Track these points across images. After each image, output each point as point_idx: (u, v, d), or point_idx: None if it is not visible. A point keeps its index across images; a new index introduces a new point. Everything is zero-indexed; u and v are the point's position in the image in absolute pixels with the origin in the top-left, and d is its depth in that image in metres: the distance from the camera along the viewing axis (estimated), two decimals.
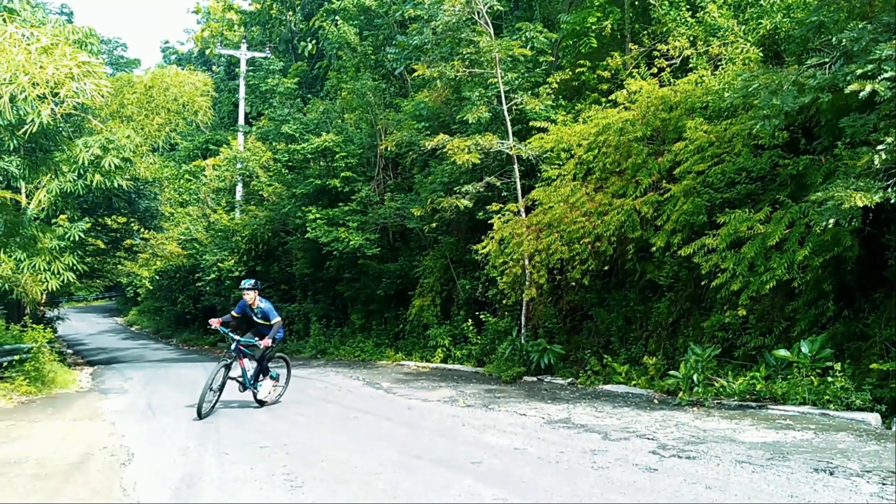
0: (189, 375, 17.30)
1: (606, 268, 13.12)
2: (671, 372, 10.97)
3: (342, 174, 21.93)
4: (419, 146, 17.97)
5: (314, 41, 35.57)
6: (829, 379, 9.13)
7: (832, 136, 10.25)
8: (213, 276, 27.89)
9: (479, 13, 15.87)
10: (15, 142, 13.64)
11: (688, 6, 14.84)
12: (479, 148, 15.28)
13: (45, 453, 8.10)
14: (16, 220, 17.88)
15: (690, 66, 14.17)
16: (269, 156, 26.98)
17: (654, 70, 14.64)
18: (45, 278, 18.28)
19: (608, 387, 12.10)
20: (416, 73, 17.91)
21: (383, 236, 21.91)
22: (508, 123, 15.82)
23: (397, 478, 6.43)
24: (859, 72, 7.94)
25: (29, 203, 20.15)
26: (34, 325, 16.49)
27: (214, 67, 45.58)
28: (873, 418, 8.30)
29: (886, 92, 7.61)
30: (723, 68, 13.24)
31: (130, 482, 6.66)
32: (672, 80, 13.93)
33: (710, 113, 12.42)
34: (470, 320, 17.44)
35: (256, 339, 10.92)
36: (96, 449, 8.33)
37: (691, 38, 14.48)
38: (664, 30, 15.20)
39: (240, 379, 10.95)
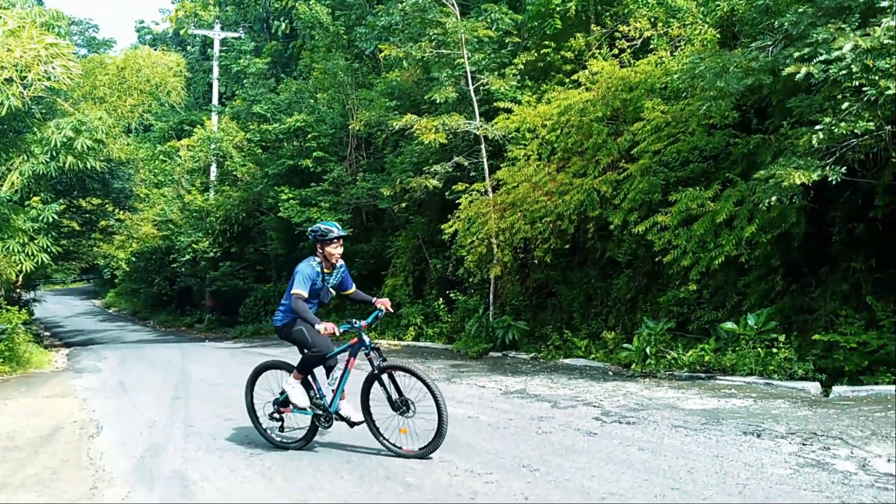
0: (163, 355, 17.57)
1: (568, 246, 13.41)
2: (625, 345, 11.36)
3: (314, 154, 22.11)
4: (389, 126, 18.15)
5: (288, 20, 35.47)
6: (775, 350, 9.55)
7: (782, 116, 10.57)
8: (188, 257, 28.11)
9: None
10: None
11: None
12: (446, 128, 15.49)
13: (16, 428, 8.35)
14: None
15: (651, 47, 14.42)
16: (242, 136, 27.10)
17: (616, 51, 14.87)
18: (20, 260, 18.37)
19: (568, 360, 12.47)
20: (384, 54, 18.04)
21: (356, 216, 22.12)
22: (475, 104, 16.03)
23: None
24: (797, 54, 8.25)
25: (1, 185, 20.16)
26: (9, 307, 16.61)
27: (189, 48, 45.29)
28: (813, 387, 8.70)
29: (821, 74, 7.93)
30: (682, 49, 13.51)
31: (97, 452, 6.96)
32: (633, 62, 14.17)
33: (669, 93, 12.68)
34: (441, 299, 17.76)
35: (380, 308, 6.98)
36: (66, 423, 8.59)
37: (652, 20, 14.72)
38: (626, 11, 15.42)
39: (326, 395, 6.82)
